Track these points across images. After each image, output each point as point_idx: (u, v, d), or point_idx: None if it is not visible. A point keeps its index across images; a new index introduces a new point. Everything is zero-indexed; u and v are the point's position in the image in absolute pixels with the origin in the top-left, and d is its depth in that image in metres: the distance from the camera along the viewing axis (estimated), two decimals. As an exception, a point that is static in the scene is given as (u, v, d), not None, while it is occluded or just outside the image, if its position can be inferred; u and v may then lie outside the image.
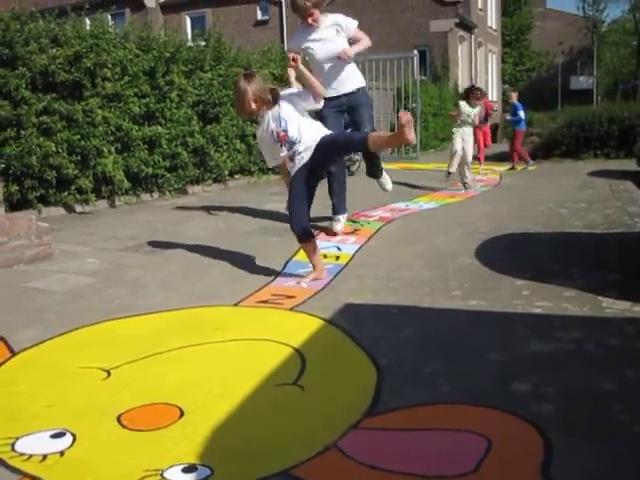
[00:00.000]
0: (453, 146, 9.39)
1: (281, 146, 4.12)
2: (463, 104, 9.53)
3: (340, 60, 5.42)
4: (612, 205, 6.93)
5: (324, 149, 4.05)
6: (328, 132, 4.19)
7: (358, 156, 11.26)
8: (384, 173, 6.00)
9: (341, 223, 5.78)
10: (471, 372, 2.64)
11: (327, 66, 5.45)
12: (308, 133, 4.06)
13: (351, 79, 5.60)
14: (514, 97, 12.80)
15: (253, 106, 4.02)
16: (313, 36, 5.43)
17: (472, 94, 9.56)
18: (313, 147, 4.05)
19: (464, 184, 9.14)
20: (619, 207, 6.78)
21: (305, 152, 4.06)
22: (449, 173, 9.43)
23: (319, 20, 5.37)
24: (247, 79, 4.01)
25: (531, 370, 2.62)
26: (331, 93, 5.34)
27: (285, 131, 4.07)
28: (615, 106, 14.78)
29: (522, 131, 12.61)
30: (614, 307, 3.40)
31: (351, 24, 5.52)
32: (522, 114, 12.39)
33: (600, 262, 4.37)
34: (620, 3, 51.47)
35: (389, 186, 6.08)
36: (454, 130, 9.49)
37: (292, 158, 4.13)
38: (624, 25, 40.07)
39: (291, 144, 4.07)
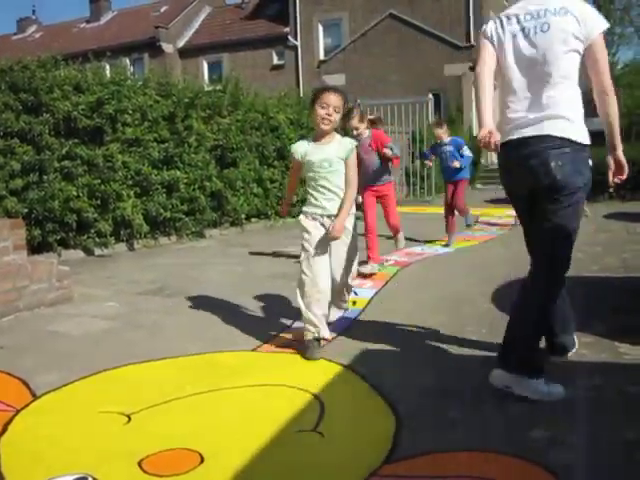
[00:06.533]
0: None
1: None
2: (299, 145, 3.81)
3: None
4: (629, 248, 6.92)
5: None
6: None
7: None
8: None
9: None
10: (490, 419, 2.64)
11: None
12: None
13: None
14: (443, 133, 7.94)
15: None
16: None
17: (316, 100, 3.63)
18: None
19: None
20: (636, 250, 6.76)
21: None
22: None
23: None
24: None
25: (550, 417, 2.62)
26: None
27: None
28: (630, 147, 14.76)
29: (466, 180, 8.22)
30: (632, 353, 3.39)
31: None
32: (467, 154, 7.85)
33: (617, 307, 4.35)
34: (631, 45, 51.87)
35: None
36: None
37: None
38: (637, 67, 40.40)
39: None
